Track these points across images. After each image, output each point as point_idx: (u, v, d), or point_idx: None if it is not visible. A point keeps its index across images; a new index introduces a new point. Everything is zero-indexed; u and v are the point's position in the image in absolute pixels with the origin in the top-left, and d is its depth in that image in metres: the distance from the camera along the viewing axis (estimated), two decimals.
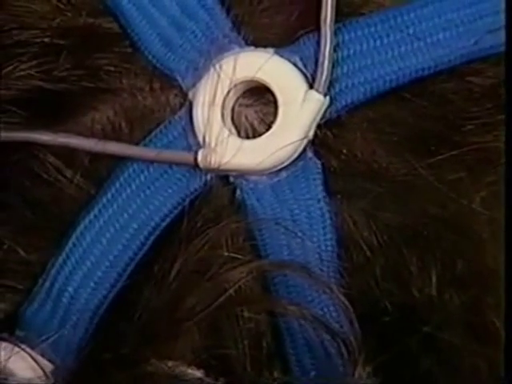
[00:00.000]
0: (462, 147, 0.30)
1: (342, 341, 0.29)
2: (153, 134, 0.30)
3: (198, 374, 0.30)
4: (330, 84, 0.29)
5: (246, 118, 0.30)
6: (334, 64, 0.29)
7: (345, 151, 0.30)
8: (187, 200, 0.30)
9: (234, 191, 0.30)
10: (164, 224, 0.30)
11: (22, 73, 0.29)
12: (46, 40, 0.29)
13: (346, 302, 0.28)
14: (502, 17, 0.29)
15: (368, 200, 0.30)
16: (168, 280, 0.28)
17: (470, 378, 0.29)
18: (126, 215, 0.30)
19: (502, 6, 0.29)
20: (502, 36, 0.29)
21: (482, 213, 0.30)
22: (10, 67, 0.29)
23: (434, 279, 0.29)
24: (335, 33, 0.29)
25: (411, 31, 0.29)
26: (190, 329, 0.29)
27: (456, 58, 0.29)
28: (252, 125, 0.30)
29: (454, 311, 0.29)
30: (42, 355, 0.30)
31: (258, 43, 0.30)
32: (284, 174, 0.30)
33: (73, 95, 0.30)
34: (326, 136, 0.30)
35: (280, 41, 0.30)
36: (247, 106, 0.30)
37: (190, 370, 0.30)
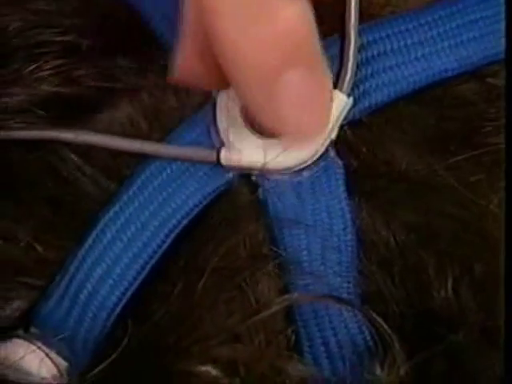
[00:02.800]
0: (481, 148, 0.30)
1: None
2: (175, 131, 0.30)
3: (214, 372, 0.30)
4: (354, 85, 0.29)
5: None
6: (358, 65, 0.29)
7: (365, 151, 0.30)
8: (209, 198, 0.30)
9: (255, 190, 0.30)
10: (185, 222, 0.30)
11: (44, 73, 0.29)
12: (68, 39, 0.29)
13: (384, 325, 0.28)
14: None
15: (387, 200, 0.30)
16: (192, 282, 0.28)
17: (484, 381, 0.30)
18: (147, 213, 0.30)
19: None
20: None
21: (500, 215, 0.30)
22: (32, 67, 0.29)
23: (450, 281, 0.29)
24: (359, 34, 0.29)
25: (435, 32, 0.29)
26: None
27: (479, 60, 0.29)
28: None
29: (470, 314, 0.29)
30: (58, 353, 0.30)
31: None
32: (306, 173, 0.30)
33: (93, 93, 0.30)
34: (347, 135, 0.30)
35: None
36: None
37: (204, 368, 0.29)
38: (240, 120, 0.29)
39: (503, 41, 0.30)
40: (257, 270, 0.29)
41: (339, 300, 0.29)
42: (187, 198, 0.30)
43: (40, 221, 0.30)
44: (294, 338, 0.30)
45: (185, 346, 0.29)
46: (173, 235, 0.30)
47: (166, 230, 0.30)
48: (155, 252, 0.30)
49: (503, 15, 0.30)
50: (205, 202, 0.30)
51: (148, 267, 0.30)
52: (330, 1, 0.27)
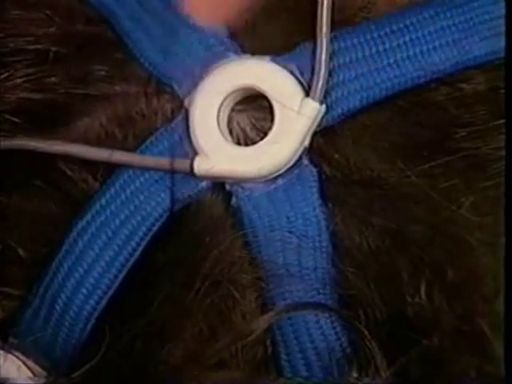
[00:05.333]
0: (454, 154, 0.30)
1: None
2: (148, 140, 0.30)
3: None
4: (326, 92, 0.29)
5: (238, 123, 0.30)
6: (330, 72, 0.29)
7: (338, 158, 0.30)
8: (179, 206, 0.30)
9: (229, 199, 0.30)
10: (155, 229, 0.30)
11: (17, 81, 0.29)
12: (40, 47, 0.29)
13: (365, 331, 0.29)
14: (497, 23, 0.30)
15: (360, 206, 0.30)
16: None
17: None
18: (117, 221, 0.30)
19: (497, 12, 0.30)
20: (496, 43, 0.29)
21: (473, 219, 0.30)
22: (5, 75, 0.29)
23: (423, 286, 0.29)
24: (331, 41, 0.29)
25: (407, 38, 0.29)
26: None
27: (451, 66, 0.29)
28: (244, 130, 0.30)
29: (443, 318, 0.30)
30: (36, 362, 0.30)
31: (254, 51, 0.30)
32: (280, 181, 0.30)
33: (66, 101, 0.30)
34: (320, 143, 0.30)
35: (276, 48, 0.30)
36: (239, 111, 0.30)
37: None
38: (214, 129, 0.29)
39: (475, 47, 0.30)
40: (236, 280, 0.30)
41: (329, 309, 0.29)
42: (157, 205, 0.30)
43: (22, 225, 0.30)
44: (271, 346, 0.30)
45: (173, 365, 0.29)
46: (144, 243, 0.30)
47: (136, 239, 0.30)
48: (127, 260, 0.30)
49: (477, 20, 0.30)
50: (174, 210, 0.30)
51: (121, 276, 0.30)
52: None
